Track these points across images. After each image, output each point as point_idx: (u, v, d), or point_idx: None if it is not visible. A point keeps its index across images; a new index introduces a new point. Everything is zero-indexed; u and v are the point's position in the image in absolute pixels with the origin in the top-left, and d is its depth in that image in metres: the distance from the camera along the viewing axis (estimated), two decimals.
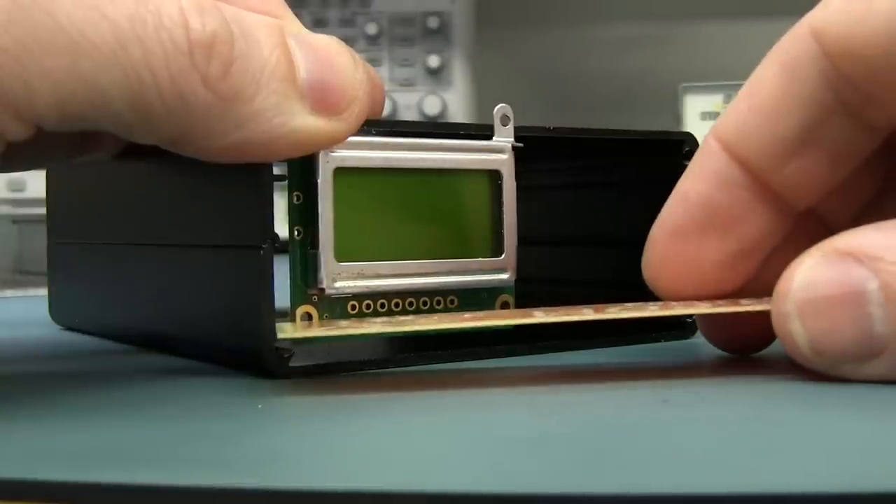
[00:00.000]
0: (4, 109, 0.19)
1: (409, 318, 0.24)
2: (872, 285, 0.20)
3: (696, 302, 0.23)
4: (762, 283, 0.23)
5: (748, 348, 0.25)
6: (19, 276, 0.67)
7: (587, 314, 0.22)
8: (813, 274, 0.21)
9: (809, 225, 0.24)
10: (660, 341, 0.28)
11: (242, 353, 0.23)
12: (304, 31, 0.23)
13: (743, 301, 0.23)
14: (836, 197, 0.24)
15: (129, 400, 0.21)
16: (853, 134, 0.22)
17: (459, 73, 0.79)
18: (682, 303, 0.23)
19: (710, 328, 0.25)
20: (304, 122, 0.21)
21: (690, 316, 0.28)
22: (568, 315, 0.22)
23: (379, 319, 0.23)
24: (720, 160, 0.23)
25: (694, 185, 0.23)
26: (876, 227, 0.21)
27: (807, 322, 0.21)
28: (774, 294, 0.21)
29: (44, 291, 0.35)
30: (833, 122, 0.22)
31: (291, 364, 0.22)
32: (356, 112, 0.22)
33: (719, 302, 0.23)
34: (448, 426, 0.19)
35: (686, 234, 0.23)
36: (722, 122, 0.23)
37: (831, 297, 0.20)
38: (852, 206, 0.24)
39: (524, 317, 0.22)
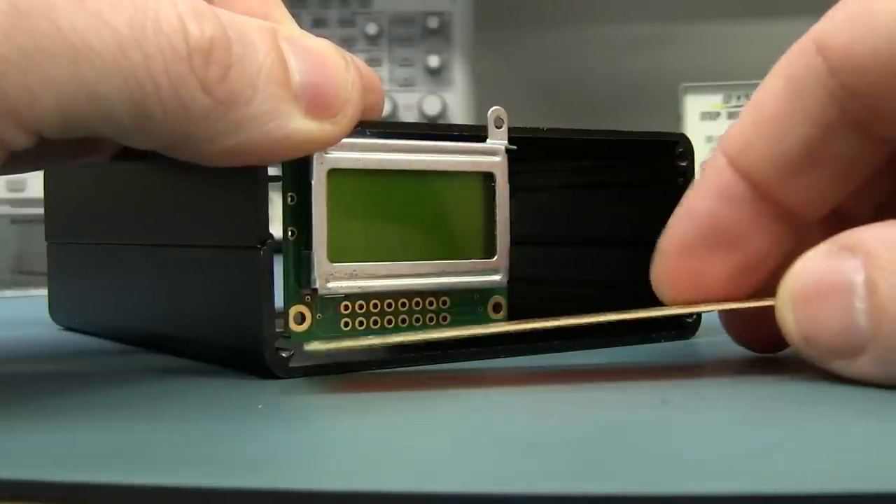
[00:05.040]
0: (7, 118, 0.19)
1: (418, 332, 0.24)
2: (859, 278, 0.20)
3: (701, 304, 0.23)
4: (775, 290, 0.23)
5: (775, 346, 0.25)
6: (19, 276, 0.67)
7: (586, 317, 0.22)
8: (809, 264, 0.21)
9: (832, 221, 0.23)
10: (660, 341, 0.28)
11: (242, 353, 0.23)
12: (300, 33, 0.23)
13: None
14: (853, 198, 0.23)
15: (129, 400, 0.21)
16: (861, 147, 0.22)
17: (459, 74, 0.79)
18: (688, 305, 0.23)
19: (734, 328, 0.25)
20: (299, 125, 0.21)
21: (691, 316, 0.28)
22: (569, 320, 0.22)
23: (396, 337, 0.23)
24: (726, 175, 0.23)
25: (700, 200, 0.23)
26: (884, 224, 0.20)
27: (796, 310, 0.21)
28: (780, 283, 0.21)
29: (44, 291, 0.35)
30: (840, 136, 0.22)
31: (291, 364, 0.22)
32: (349, 115, 0.22)
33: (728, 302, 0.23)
34: (448, 426, 0.19)
35: (692, 249, 0.23)
36: (727, 136, 0.23)
37: (818, 286, 0.20)
38: (871, 204, 0.24)
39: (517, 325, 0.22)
